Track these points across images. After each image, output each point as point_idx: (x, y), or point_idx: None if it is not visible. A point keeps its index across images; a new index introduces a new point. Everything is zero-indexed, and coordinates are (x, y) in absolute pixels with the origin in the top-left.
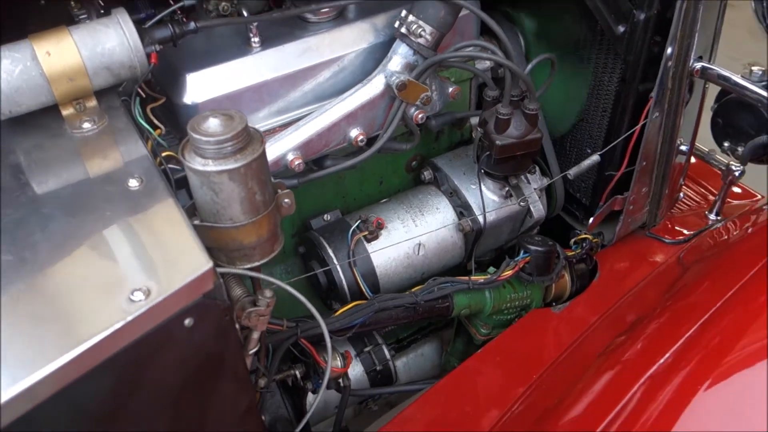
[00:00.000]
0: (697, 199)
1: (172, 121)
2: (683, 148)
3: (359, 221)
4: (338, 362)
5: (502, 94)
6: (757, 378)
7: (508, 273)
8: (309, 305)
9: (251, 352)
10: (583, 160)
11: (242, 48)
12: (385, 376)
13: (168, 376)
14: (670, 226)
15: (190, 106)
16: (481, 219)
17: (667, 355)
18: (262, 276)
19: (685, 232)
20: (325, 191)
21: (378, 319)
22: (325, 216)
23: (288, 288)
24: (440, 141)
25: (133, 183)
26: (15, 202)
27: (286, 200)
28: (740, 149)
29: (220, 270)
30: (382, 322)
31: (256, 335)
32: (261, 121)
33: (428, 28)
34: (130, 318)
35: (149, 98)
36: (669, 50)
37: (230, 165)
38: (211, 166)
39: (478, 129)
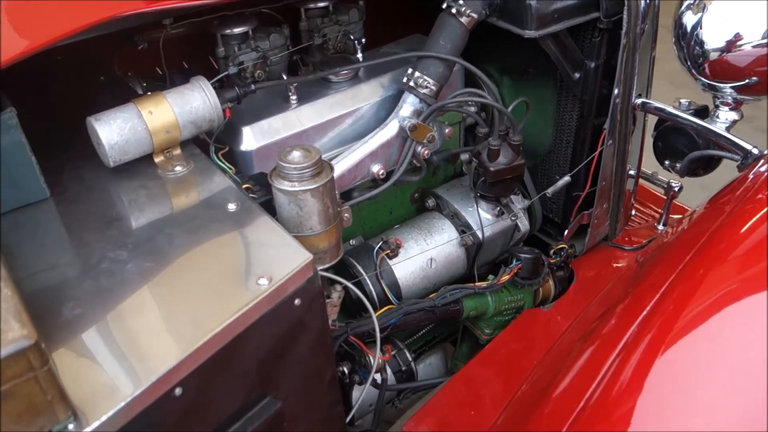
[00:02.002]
0: (646, 219)
1: (232, 164)
2: (632, 172)
3: (381, 242)
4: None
5: (491, 130)
6: (708, 334)
7: (506, 278)
8: (367, 303)
9: None
10: (564, 177)
11: (283, 105)
12: (409, 375)
13: (281, 344)
14: (627, 237)
15: (245, 152)
16: (480, 234)
17: (634, 325)
18: (335, 277)
19: (642, 240)
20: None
21: (406, 320)
22: (351, 241)
23: (352, 287)
24: (437, 175)
25: (232, 206)
26: (139, 227)
27: (346, 215)
28: (678, 165)
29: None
30: (409, 323)
31: (329, 323)
32: None
33: (431, 81)
34: (261, 297)
35: (217, 148)
36: (616, 91)
37: (312, 185)
38: (298, 187)
39: (473, 160)
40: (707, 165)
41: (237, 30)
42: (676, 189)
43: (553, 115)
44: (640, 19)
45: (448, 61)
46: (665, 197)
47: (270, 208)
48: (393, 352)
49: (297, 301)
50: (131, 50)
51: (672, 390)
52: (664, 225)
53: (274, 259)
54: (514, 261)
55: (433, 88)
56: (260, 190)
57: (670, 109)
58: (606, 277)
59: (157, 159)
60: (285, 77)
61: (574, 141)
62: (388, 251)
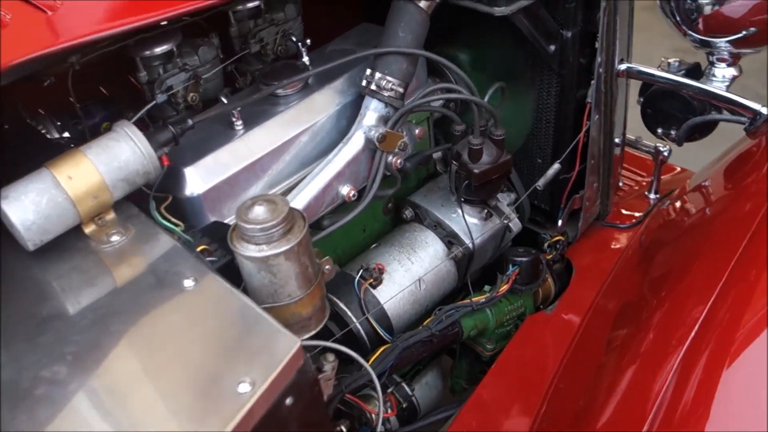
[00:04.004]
0: (631, 185)
1: (179, 216)
2: (617, 140)
3: (362, 270)
4: (386, 408)
5: (469, 127)
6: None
7: (504, 287)
8: (363, 362)
9: None
10: (535, 172)
11: (227, 132)
12: (411, 411)
13: None
14: (618, 210)
15: (192, 199)
16: (469, 244)
17: (687, 342)
18: (325, 343)
19: (636, 214)
20: (320, 249)
21: (402, 358)
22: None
23: (347, 351)
24: (409, 179)
25: (188, 282)
26: (78, 326)
27: (327, 267)
28: (673, 132)
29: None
30: (406, 360)
31: (324, 399)
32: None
33: (396, 81)
34: (245, 408)
35: (157, 199)
36: (599, 59)
37: (285, 246)
38: (267, 251)
39: (453, 162)
40: (704, 128)
41: (158, 50)
42: (666, 153)
43: (530, 95)
44: None
45: (412, 55)
46: (654, 162)
47: (234, 269)
48: (391, 390)
49: (289, 401)
50: (36, 86)
51: (745, 409)
52: (656, 193)
53: (254, 352)
54: (511, 266)
55: (399, 89)
56: (219, 249)
57: (658, 72)
58: (607, 262)
59: (88, 229)
60: (223, 98)
61: (556, 119)
62: (371, 280)
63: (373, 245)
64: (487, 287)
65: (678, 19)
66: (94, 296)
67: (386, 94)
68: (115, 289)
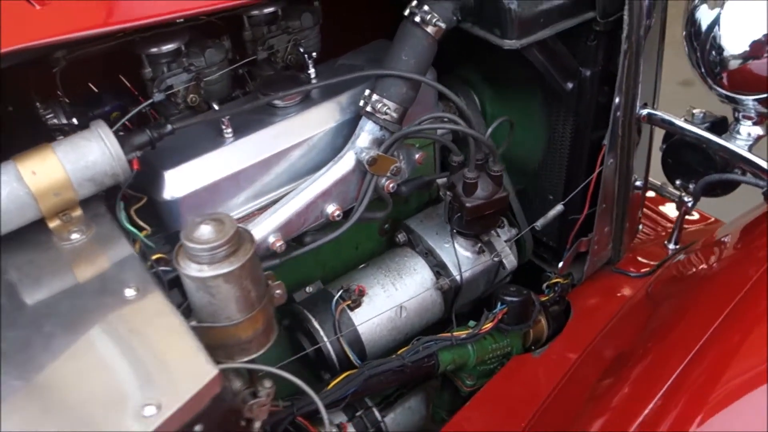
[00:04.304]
0: (652, 226)
1: (156, 219)
2: (638, 183)
3: (341, 290)
4: None
5: (467, 158)
6: (743, 411)
7: (489, 326)
8: (305, 387)
9: None
10: (546, 208)
11: (215, 140)
12: None
13: None
14: (632, 256)
15: (170, 202)
16: (458, 276)
17: (655, 399)
18: (257, 366)
19: (650, 263)
20: (305, 263)
21: (369, 385)
22: (307, 288)
23: (285, 375)
24: (410, 203)
25: (129, 292)
26: (16, 322)
27: (278, 291)
28: (692, 186)
29: (220, 367)
30: (373, 388)
31: (258, 425)
32: (239, 207)
33: (392, 105)
34: None
35: (133, 199)
36: (617, 101)
37: (225, 269)
38: (207, 272)
39: (447, 192)
40: (727, 186)
41: (165, 48)
42: (689, 204)
43: (544, 129)
44: (644, 18)
45: (413, 80)
46: (678, 212)
47: None
48: (353, 421)
49: (197, 428)
50: (47, 71)
51: None
52: (675, 244)
53: (169, 375)
54: (499, 304)
55: (394, 114)
56: None
57: (680, 122)
58: (609, 310)
59: (52, 224)
60: (215, 105)
61: (569, 158)
62: (349, 301)
63: (362, 266)
64: (471, 323)
65: (703, 70)
66: (39, 294)
67: (381, 117)
68: (59, 289)
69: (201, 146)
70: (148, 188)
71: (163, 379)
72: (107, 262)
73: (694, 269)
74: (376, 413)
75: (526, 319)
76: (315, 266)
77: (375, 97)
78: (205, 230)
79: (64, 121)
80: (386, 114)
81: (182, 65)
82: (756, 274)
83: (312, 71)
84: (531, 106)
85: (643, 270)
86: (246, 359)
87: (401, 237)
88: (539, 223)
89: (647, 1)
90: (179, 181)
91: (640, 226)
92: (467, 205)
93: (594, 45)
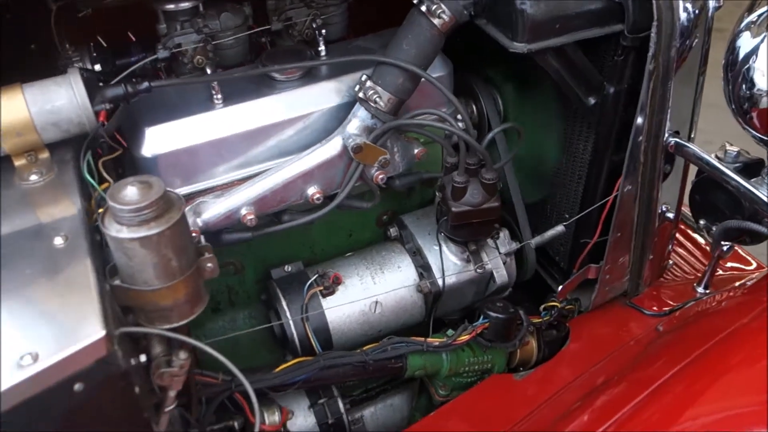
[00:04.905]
0: (694, 267)
1: (133, 173)
2: (670, 215)
3: (317, 275)
4: (276, 417)
5: (459, 162)
6: None
7: (464, 338)
8: (230, 365)
9: (167, 410)
10: (557, 226)
11: (205, 104)
12: (337, 429)
13: None
14: (655, 293)
15: (148, 159)
16: (439, 281)
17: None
18: (168, 334)
19: (671, 303)
20: (291, 241)
21: (324, 376)
22: (287, 267)
23: (206, 348)
24: (412, 198)
25: (59, 241)
26: None
27: (209, 265)
28: (715, 229)
29: (122, 330)
30: (329, 379)
31: (172, 394)
32: (220, 175)
33: (385, 95)
34: (14, 383)
35: (111, 149)
36: (638, 123)
37: (142, 233)
38: (125, 233)
39: (437, 193)
40: (754, 235)
41: (181, 5)
42: (725, 248)
43: (562, 141)
44: (676, 38)
45: (411, 71)
46: (711, 254)
47: None
48: (314, 407)
49: (77, 387)
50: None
51: None
52: (705, 288)
53: (57, 329)
54: (481, 318)
55: (387, 104)
56: None
57: (710, 158)
58: (610, 344)
59: (17, 162)
60: (208, 69)
61: (587, 177)
62: (322, 287)
63: (348, 254)
64: (450, 331)
65: (734, 107)
66: None
67: (373, 105)
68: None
69: (188, 108)
70: (129, 142)
71: (50, 332)
72: (51, 208)
73: (703, 306)
74: (340, 404)
75: (509, 338)
76: (302, 246)
77: (369, 83)
78: (130, 191)
79: (89, 66)
80: (377, 103)
81: (196, 26)
82: (733, 325)
83: (322, 48)
84: (550, 115)
85: (658, 309)
86: (167, 327)
87: (393, 231)
88: (534, 241)
89: (683, 20)
90: (159, 139)
91: (670, 262)
92: (453, 209)
93: (621, 60)
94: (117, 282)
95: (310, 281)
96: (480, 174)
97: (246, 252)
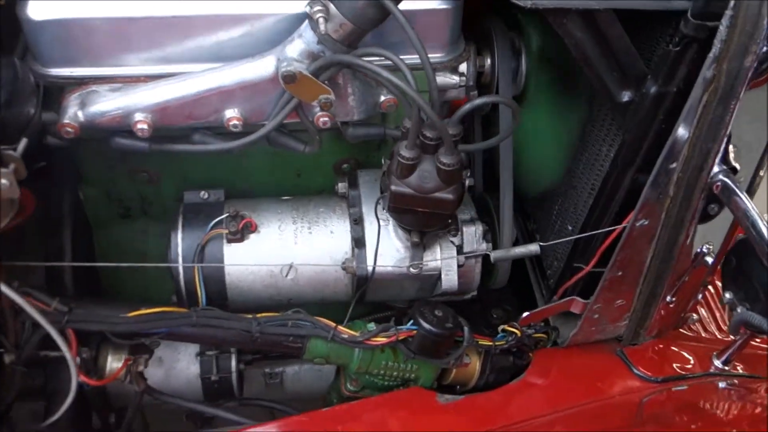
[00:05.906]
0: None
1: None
2: (708, 259)
3: (227, 215)
4: (116, 365)
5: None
6: None
7: (381, 341)
8: (32, 311)
9: None
10: (560, 237)
11: None
12: (222, 388)
13: None
14: (659, 349)
15: (32, 22)
16: (369, 265)
17: None
18: None
19: (674, 368)
20: (219, 164)
21: (192, 334)
22: (203, 193)
23: None
24: (382, 151)
25: None
26: None
27: (4, 181)
28: (740, 310)
29: None
30: (203, 340)
31: None
32: (125, 63)
33: (338, 17)
34: None
35: None
36: (678, 144)
37: None
38: None
39: (385, 161)
40: None
41: None
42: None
43: (577, 136)
44: (759, 41)
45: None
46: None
47: None
48: (202, 357)
49: None
50: None
51: None
52: (725, 364)
53: None
54: (409, 323)
55: (337, 29)
56: None
57: (761, 222)
58: (573, 393)
59: None
60: None
61: (600, 191)
62: (228, 231)
63: (285, 197)
64: (371, 325)
65: None
66: None
67: (321, 27)
68: None
69: None
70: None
71: None
72: None
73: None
74: (233, 362)
75: (437, 356)
76: (233, 173)
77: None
78: None
79: None
80: (322, 26)
81: None
82: None
83: None
84: (577, 94)
85: (655, 371)
86: None
87: (342, 187)
88: (493, 255)
89: None
90: (47, 4)
91: (695, 316)
92: (392, 187)
93: (676, 53)
94: None
95: (216, 220)
96: (438, 154)
97: (165, 163)
